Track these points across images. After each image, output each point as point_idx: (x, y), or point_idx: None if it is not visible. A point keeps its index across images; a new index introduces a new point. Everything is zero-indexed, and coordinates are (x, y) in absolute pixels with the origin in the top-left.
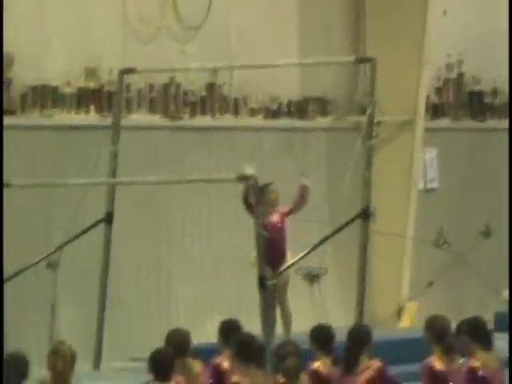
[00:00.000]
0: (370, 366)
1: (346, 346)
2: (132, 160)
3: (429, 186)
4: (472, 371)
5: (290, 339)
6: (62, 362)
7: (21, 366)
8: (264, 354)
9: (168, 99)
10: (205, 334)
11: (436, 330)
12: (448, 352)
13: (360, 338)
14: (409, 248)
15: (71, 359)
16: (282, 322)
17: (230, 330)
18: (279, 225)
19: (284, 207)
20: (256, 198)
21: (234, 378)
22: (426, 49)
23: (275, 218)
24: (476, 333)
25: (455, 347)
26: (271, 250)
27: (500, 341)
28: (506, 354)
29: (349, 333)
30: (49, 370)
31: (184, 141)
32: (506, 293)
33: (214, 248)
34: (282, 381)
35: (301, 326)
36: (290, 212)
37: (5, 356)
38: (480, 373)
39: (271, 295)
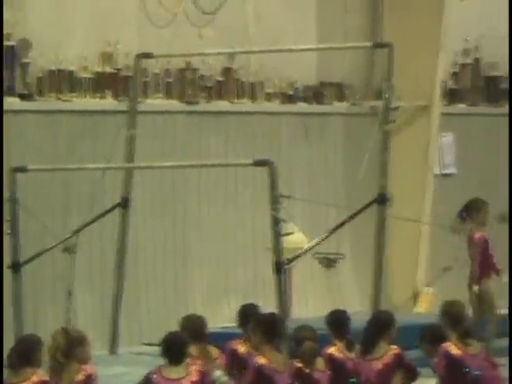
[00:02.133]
0: (389, 351)
1: (365, 329)
2: (148, 145)
3: (445, 171)
4: None
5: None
6: (53, 349)
7: (33, 349)
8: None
9: (184, 84)
10: (221, 318)
11: (452, 315)
12: (464, 337)
13: (380, 322)
14: (425, 233)
15: (66, 346)
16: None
17: (249, 314)
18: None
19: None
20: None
21: (260, 360)
22: (442, 34)
23: (479, 235)
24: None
25: (471, 332)
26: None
27: None
28: None
29: (371, 316)
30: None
31: (200, 125)
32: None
33: (230, 233)
34: (298, 365)
35: (318, 310)
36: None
37: (19, 338)
38: None
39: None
